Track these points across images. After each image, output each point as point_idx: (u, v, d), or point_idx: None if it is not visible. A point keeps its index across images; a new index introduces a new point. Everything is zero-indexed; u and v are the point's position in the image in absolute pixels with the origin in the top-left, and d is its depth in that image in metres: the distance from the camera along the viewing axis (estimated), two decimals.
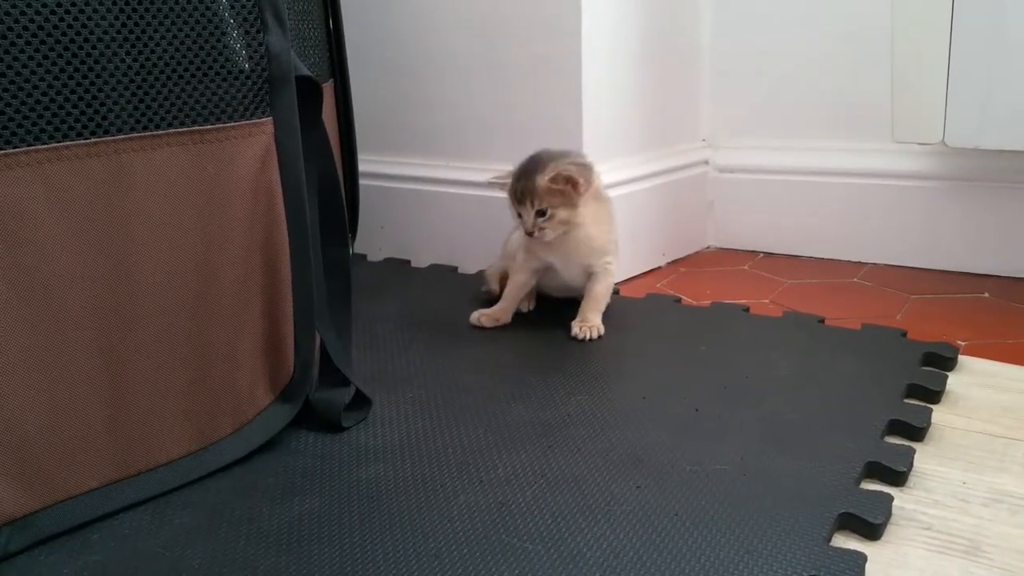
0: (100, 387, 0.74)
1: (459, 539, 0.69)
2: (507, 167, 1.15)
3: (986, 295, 1.30)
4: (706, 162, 1.64)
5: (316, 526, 0.72)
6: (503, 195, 1.15)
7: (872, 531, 0.69)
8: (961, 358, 1.04)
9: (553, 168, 1.07)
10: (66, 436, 0.72)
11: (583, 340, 1.12)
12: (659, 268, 1.53)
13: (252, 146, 0.81)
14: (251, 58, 0.80)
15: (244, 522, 0.73)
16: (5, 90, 0.66)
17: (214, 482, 0.80)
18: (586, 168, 1.11)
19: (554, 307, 1.24)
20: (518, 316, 1.21)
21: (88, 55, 0.70)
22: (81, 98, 0.70)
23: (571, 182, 1.07)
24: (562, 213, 1.08)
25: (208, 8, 0.77)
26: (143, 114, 0.74)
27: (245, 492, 0.79)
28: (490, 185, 1.20)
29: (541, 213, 1.08)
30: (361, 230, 1.41)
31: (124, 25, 0.72)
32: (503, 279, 1.25)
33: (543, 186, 1.07)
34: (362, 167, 1.38)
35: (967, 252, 1.41)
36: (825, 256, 1.54)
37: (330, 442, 0.87)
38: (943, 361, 1.01)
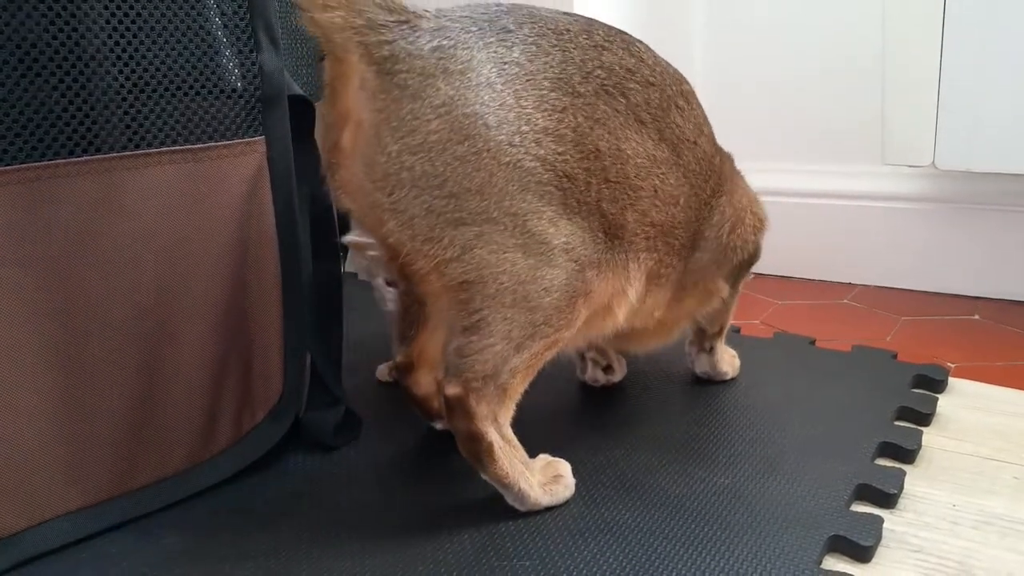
0: (84, 406, 0.73)
1: (449, 562, 0.69)
2: None
3: (977, 317, 1.30)
4: None
5: (304, 548, 0.72)
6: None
7: (862, 554, 0.69)
8: (952, 380, 1.04)
9: None
10: (51, 456, 0.72)
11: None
12: None
13: (244, 165, 0.81)
14: (244, 77, 0.80)
15: (231, 544, 0.73)
16: None
17: (201, 502, 0.80)
18: None
19: None
20: None
21: (80, 73, 0.70)
22: (73, 116, 0.70)
23: None
24: None
25: (201, 27, 0.77)
26: (135, 132, 0.74)
27: (233, 513, 0.78)
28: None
29: None
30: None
31: (117, 43, 0.72)
32: None
33: None
34: None
35: (957, 274, 1.41)
36: (815, 277, 1.55)
37: (320, 463, 0.87)
38: (934, 383, 1.01)
